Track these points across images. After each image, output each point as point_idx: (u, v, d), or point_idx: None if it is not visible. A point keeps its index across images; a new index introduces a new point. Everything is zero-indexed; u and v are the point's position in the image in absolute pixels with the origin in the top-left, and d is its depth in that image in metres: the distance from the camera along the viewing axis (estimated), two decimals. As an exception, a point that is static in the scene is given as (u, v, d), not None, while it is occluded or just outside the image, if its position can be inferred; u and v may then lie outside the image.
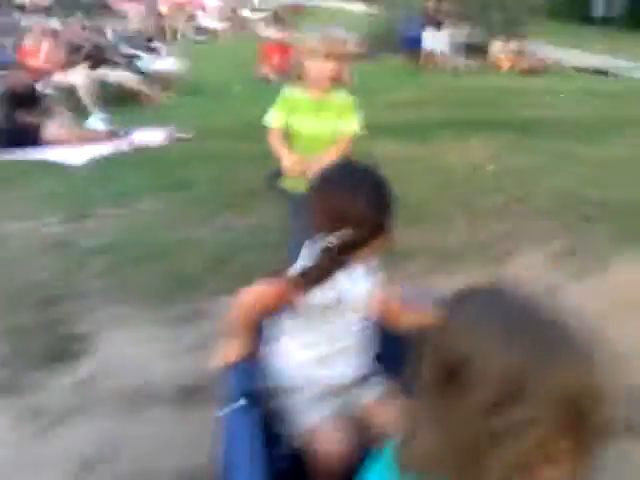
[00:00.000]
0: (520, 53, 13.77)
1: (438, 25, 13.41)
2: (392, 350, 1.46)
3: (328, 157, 2.40)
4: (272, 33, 13.03)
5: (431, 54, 13.26)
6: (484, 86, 9.90)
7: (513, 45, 13.75)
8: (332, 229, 1.28)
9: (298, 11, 17.55)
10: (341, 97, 2.54)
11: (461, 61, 13.45)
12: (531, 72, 13.18)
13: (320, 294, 1.32)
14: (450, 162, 5.10)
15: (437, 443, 0.68)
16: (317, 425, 1.37)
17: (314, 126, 2.52)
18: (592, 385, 0.64)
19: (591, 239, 3.45)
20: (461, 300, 0.73)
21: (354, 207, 1.27)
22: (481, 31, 14.60)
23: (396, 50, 14.08)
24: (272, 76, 9.80)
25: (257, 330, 1.45)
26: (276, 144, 2.52)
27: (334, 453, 1.32)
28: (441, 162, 5.06)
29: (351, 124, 2.53)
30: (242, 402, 1.29)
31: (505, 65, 13.42)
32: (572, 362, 0.65)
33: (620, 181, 4.52)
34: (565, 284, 2.92)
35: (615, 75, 13.43)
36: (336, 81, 2.50)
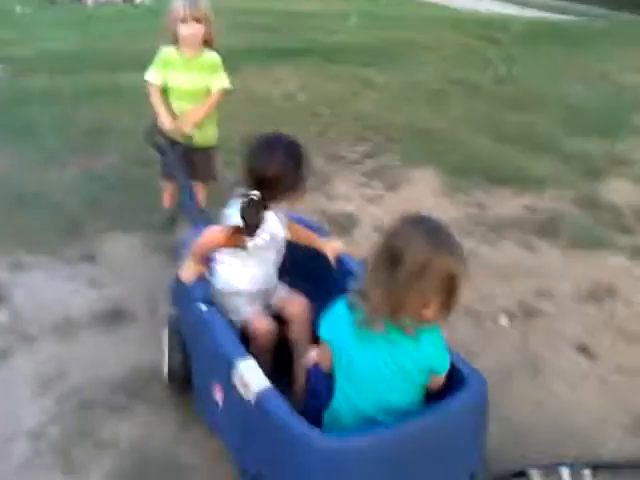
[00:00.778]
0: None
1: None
2: (295, 261, 2.21)
3: (200, 110, 3.01)
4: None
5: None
6: (276, 9, 10.46)
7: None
8: (256, 186, 1.93)
9: None
10: (210, 56, 3.08)
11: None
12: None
13: (258, 239, 1.97)
14: (263, 92, 5.72)
15: (381, 296, 1.43)
16: (252, 316, 2.07)
17: (188, 81, 3.05)
18: (462, 269, 1.43)
19: (395, 158, 4.41)
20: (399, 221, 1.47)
21: (271, 169, 1.93)
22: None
23: None
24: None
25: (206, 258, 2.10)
26: (156, 101, 3.03)
27: (264, 332, 2.04)
28: (255, 93, 5.61)
29: (221, 80, 3.10)
30: (204, 306, 1.94)
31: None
32: (455, 254, 1.42)
33: (417, 106, 5.57)
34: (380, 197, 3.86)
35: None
36: (206, 42, 3.02)
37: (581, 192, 4.07)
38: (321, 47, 7.42)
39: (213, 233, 2.01)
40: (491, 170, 4.25)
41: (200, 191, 3.30)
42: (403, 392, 1.56)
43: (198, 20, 2.95)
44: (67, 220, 3.38)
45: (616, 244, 3.46)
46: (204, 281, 2.06)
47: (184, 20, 2.93)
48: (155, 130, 3.03)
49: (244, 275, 2.10)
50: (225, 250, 2.07)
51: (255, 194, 1.92)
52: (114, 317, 2.68)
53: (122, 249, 3.20)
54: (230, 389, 1.72)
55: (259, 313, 2.10)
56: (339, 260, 2.21)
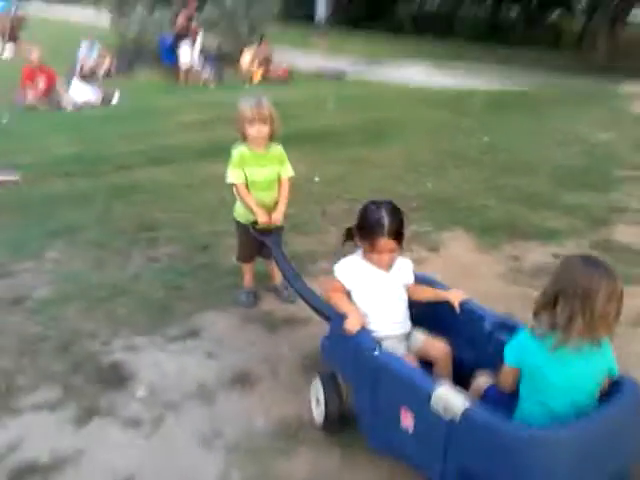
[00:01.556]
0: (267, 61, 15.54)
1: (189, 38, 14.51)
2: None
3: (284, 202, 3.62)
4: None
5: (188, 69, 14.34)
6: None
7: (260, 53, 15.41)
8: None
9: (21, 23, 17.04)
10: (276, 149, 3.67)
11: (211, 74, 14.67)
12: (280, 81, 15.02)
13: None
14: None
15: (582, 324, 1.99)
16: (428, 343, 2.63)
17: (263, 174, 3.61)
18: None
19: (426, 224, 5.05)
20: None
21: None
22: (230, 41, 16.13)
23: (151, 65, 14.93)
24: (39, 103, 10.11)
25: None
26: (249, 201, 3.55)
27: (443, 354, 2.61)
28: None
29: (288, 170, 3.69)
30: (377, 350, 2.45)
31: (256, 75, 15.02)
32: (618, 279, 2.01)
33: (421, 177, 6.29)
34: (426, 259, 4.46)
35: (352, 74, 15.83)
36: (271, 137, 3.62)
37: (595, 238, 4.78)
38: (312, 133, 8.16)
39: (335, 285, 2.62)
40: (512, 227, 4.93)
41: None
42: (590, 394, 2.12)
43: (264, 121, 3.49)
44: (158, 306, 3.81)
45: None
46: (364, 330, 2.57)
47: (251, 122, 3.48)
48: (257, 224, 3.57)
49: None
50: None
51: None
52: (242, 381, 3.13)
53: (221, 325, 3.65)
54: (426, 413, 2.20)
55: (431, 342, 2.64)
56: (462, 306, 2.78)
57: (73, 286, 4.05)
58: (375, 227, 2.55)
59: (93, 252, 4.57)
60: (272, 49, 16.01)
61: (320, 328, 3.46)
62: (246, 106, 3.48)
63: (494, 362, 2.48)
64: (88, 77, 12.74)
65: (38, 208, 5.45)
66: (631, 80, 11.74)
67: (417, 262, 4.29)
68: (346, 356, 2.63)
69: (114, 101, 11.71)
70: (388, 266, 2.68)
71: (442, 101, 10.68)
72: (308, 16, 27.96)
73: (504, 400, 2.29)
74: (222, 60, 15.58)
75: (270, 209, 3.62)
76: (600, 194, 5.77)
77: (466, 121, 8.97)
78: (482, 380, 2.42)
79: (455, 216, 5.14)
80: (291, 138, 7.59)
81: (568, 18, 30.02)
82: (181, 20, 14.64)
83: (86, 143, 8.17)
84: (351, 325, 2.51)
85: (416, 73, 17.15)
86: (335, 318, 2.75)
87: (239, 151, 3.57)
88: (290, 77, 15.36)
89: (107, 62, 14.51)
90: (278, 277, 3.94)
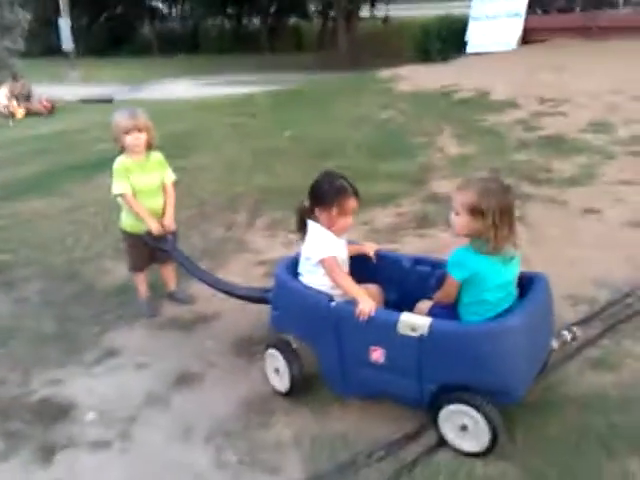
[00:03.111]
0: (27, 97, 14.65)
1: None
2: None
3: (172, 207, 3.70)
4: None
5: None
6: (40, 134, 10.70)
7: (16, 89, 14.48)
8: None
9: None
10: (156, 155, 3.72)
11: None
12: (46, 114, 14.28)
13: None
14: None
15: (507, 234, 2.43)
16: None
17: (147, 182, 3.64)
18: None
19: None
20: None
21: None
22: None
23: None
24: None
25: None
26: (140, 210, 3.56)
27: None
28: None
29: (170, 174, 3.76)
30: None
31: (19, 113, 14.11)
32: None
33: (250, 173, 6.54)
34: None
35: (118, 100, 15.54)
36: (149, 146, 3.66)
37: (422, 195, 5.46)
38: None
39: (331, 262, 2.77)
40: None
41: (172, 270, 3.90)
42: (514, 286, 2.60)
43: (140, 130, 3.55)
44: (58, 337, 3.65)
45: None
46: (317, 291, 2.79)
47: (128, 131, 3.53)
48: (151, 233, 3.58)
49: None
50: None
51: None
52: (187, 380, 3.16)
53: (134, 339, 3.60)
54: (395, 341, 2.50)
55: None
56: (378, 255, 3.14)
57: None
58: (341, 191, 2.78)
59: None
60: (29, 84, 15.14)
61: (231, 318, 3.63)
62: (121, 117, 3.52)
63: (418, 294, 2.88)
64: None
65: None
66: (379, 68, 13.07)
67: (292, 242, 4.59)
68: (302, 319, 2.82)
69: None
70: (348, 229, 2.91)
71: (228, 109, 11.00)
72: (49, 49, 26.64)
73: (447, 315, 2.67)
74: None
75: (159, 215, 3.65)
76: (408, 159, 6.52)
77: (260, 122, 9.40)
78: (423, 305, 2.77)
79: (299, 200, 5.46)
80: (103, 163, 7.46)
81: (306, 22, 32.16)
82: None
83: None
84: (367, 307, 2.59)
85: (183, 89, 17.36)
86: (278, 291, 2.93)
87: (121, 161, 3.56)
88: (55, 109, 14.69)
89: None
90: (172, 282, 3.97)
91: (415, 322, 2.47)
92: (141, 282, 3.88)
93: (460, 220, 2.56)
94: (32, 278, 4.48)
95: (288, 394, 2.91)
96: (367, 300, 2.63)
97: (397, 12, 31.04)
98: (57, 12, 22.60)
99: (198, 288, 3.91)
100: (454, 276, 2.57)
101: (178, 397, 3.04)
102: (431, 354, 2.47)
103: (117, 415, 2.93)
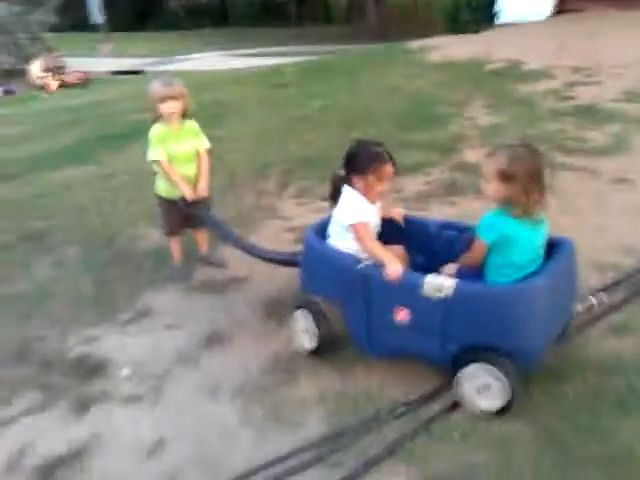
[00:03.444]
0: (60, 69, 14.86)
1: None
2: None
3: (206, 175, 3.74)
4: None
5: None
6: (74, 105, 10.86)
7: (50, 62, 14.70)
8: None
9: None
10: (191, 123, 3.77)
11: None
12: (80, 86, 14.49)
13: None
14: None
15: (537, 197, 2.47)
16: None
17: (182, 149, 3.71)
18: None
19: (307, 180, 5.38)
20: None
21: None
22: (11, 56, 15.08)
23: None
24: None
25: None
26: (176, 177, 3.63)
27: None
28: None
29: (205, 142, 3.81)
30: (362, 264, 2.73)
31: (52, 85, 14.32)
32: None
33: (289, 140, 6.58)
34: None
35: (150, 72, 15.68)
36: (184, 114, 3.72)
37: (451, 164, 5.44)
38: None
39: (362, 228, 2.81)
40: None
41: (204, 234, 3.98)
42: (542, 250, 2.61)
43: (175, 98, 3.61)
44: (95, 298, 3.78)
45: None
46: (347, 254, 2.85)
47: (163, 99, 3.59)
48: (186, 200, 3.66)
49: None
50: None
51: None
52: (218, 339, 3.26)
53: (167, 301, 3.71)
54: (420, 302, 2.54)
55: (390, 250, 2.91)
56: (406, 219, 3.19)
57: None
58: (378, 157, 2.82)
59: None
60: (62, 58, 15.36)
61: (261, 281, 3.70)
62: (157, 86, 3.60)
63: (444, 258, 2.91)
64: None
65: None
66: (410, 39, 12.92)
67: (321, 210, 4.62)
68: (331, 281, 2.88)
69: None
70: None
71: (258, 80, 11.01)
72: (79, 23, 26.83)
73: (473, 278, 2.70)
74: (9, 77, 14.62)
75: (193, 182, 3.72)
76: (438, 129, 6.48)
77: (291, 91, 9.39)
78: (449, 268, 2.80)
79: (329, 168, 5.49)
80: (136, 132, 7.55)
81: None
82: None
83: None
84: (395, 271, 2.63)
85: (213, 61, 17.38)
86: (307, 254, 2.99)
87: (157, 129, 3.64)
88: (89, 81, 14.89)
89: None
90: (205, 246, 4.05)
91: (440, 283, 2.51)
92: (175, 246, 3.97)
93: (491, 186, 2.58)
94: (69, 243, 4.60)
95: (315, 353, 2.98)
96: (395, 263, 2.67)
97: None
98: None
99: (230, 252, 4.00)
100: (483, 238, 2.59)
101: (208, 356, 3.13)
102: (455, 315, 2.51)
103: (149, 372, 3.04)
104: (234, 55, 18.90)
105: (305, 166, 5.73)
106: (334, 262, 2.85)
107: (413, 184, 5.11)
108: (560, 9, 12.78)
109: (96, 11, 21.87)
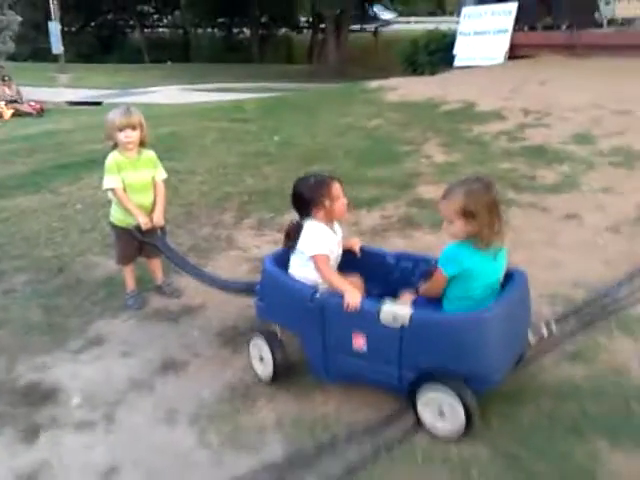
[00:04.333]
0: (17, 98, 14.74)
1: None
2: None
3: (162, 203, 3.78)
4: None
5: None
6: (29, 133, 10.73)
7: (9, 90, 14.57)
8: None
9: None
10: (148, 153, 3.80)
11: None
12: (35, 115, 14.37)
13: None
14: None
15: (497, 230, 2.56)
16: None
17: (139, 178, 3.72)
18: None
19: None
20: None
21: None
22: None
23: None
24: None
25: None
26: (129, 205, 3.63)
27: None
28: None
29: (162, 172, 3.84)
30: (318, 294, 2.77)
31: (6, 114, 14.18)
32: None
33: (241, 176, 6.63)
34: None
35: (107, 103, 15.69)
36: (142, 143, 3.75)
37: (407, 199, 5.57)
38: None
39: (322, 259, 2.87)
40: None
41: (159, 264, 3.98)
42: (499, 282, 2.71)
43: (134, 127, 3.64)
44: (45, 326, 3.69)
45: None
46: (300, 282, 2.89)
47: (121, 129, 3.61)
48: (140, 228, 3.65)
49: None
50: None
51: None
52: (172, 366, 3.23)
53: (120, 329, 3.66)
54: (377, 330, 2.59)
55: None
56: (362, 249, 3.26)
57: None
58: (321, 183, 2.92)
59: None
60: (16, 87, 15.23)
61: (215, 309, 3.72)
62: (115, 114, 3.62)
63: (400, 288, 2.98)
64: None
65: None
66: (366, 80, 13.25)
67: (278, 241, 4.66)
68: (288, 309, 2.91)
69: None
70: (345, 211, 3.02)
71: (217, 114, 11.08)
72: (38, 53, 26.70)
73: (430, 306, 2.77)
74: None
75: (148, 211, 3.72)
76: (395, 166, 6.64)
77: (250, 126, 9.49)
78: (407, 296, 2.87)
79: (287, 201, 5.57)
80: (91, 162, 7.51)
81: (296, 34, 32.47)
82: None
83: None
84: (354, 300, 2.67)
85: (172, 95, 17.46)
86: (265, 282, 3.02)
87: (113, 157, 3.65)
88: (44, 111, 14.79)
89: None
90: (159, 275, 4.04)
91: (397, 312, 2.57)
92: (129, 275, 3.94)
93: (454, 226, 2.64)
94: (20, 271, 4.51)
95: (272, 381, 2.99)
96: (354, 292, 2.72)
97: (388, 27, 31.44)
98: (47, 16, 22.67)
99: (185, 281, 3.99)
100: (446, 271, 2.65)
101: (162, 383, 3.11)
102: (412, 343, 2.56)
103: (102, 399, 2.99)
104: (194, 90, 19.04)
105: (263, 199, 5.79)
106: (291, 290, 2.89)
107: (370, 218, 5.21)
108: (513, 54, 13.30)
109: (56, 41, 21.82)
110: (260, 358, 3.02)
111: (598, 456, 2.43)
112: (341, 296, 2.70)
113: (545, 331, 3.20)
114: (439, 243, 3.96)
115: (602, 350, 3.17)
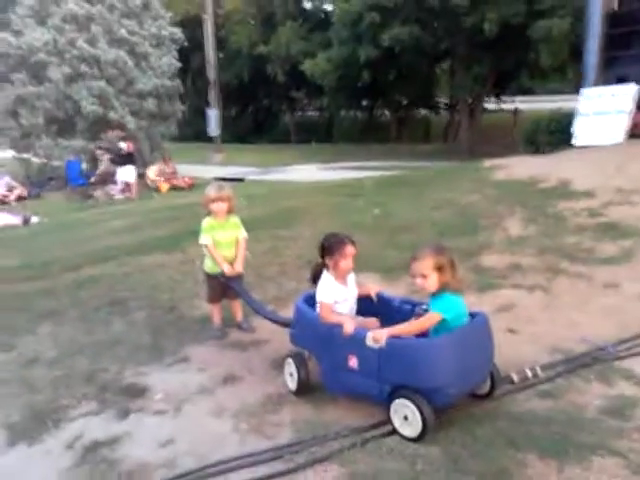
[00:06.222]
0: (173, 174, 17.10)
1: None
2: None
3: (242, 256, 4.88)
4: None
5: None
6: (176, 204, 12.68)
7: (163, 168, 16.96)
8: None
9: None
10: (234, 218, 5.00)
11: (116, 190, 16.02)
12: (186, 189, 16.56)
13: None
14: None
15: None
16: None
17: (226, 237, 4.92)
18: None
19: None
20: None
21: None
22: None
23: (59, 188, 16.21)
24: None
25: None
26: (217, 256, 4.82)
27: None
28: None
29: (243, 232, 5.01)
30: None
31: (163, 187, 16.48)
32: None
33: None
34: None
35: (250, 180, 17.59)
36: (229, 211, 4.95)
37: (469, 264, 6.33)
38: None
39: (324, 305, 3.84)
40: (407, 267, 6.40)
41: (239, 305, 5.11)
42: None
43: (223, 200, 4.87)
44: (150, 347, 4.94)
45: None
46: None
47: (215, 200, 4.86)
48: (222, 275, 4.82)
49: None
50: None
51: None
52: (231, 380, 4.29)
53: (203, 353, 4.80)
54: (364, 351, 3.48)
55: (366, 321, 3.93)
56: (378, 295, 4.16)
57: (72, 345, 5.08)
58: (341, 241, 3.90)
59: (78, 324, 5.60)
60: (174, 164, 17.65)
61: (277, 343, 4.73)
62: (210, 190, 4.86)
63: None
64: None
65: (16, 302, 6.38)
66: (491, 158, 14.01)
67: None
68: (310, 336, 3.89)
69: (34, 220, 12.70)
70: (351, 270, 3.96)
71: (336, 190, 12.36)
72: (200, 134, 30.15)
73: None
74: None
75: (232, 261, 4.88)
76: (471, 237, 7.40)
77: (359, 201, 10.63)
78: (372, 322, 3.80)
79: (366, 263, 6.55)
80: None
81: (434, 115, 33.87)
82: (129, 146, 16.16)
83: (26, 253, 9.11)
84: (349, 328, 3.62)
85: (308, 173, 19.19)
86: (295, 316, 4.03)
87: (207, 221, 4.88)
88: (194, 185, 16.95)
89: (18, 190, 15.57)
90: (239, 315, 5.16)
91: (377, 337, 3.46)
92: (215, 312, 5.11)
93: (431, 280, 3.51)
94: (142, 309, 5.86)
95: (297, 393, 3.94)
96: (349, 323, 3.65)
97: (528, 105, 31.83)
98: (208, 103, 25.84)
99: (258, 322, 5.07)
100: (445, 315, 3.47)
101: (221, 390, 4.16)
102: (387, 362, 3.43)
103: (176, 397, 4.10)
104: (329, 168, 20.67)
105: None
106: (311, 321, 3.86)
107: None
108: (634, 133, 13.49)
109: (214, 124, 24.76)
110: (290, 374, 3.99)
111: (523, 463, 3.11)
112: (341, 326, 3.63)
113: (530, 373, 3.90)
114: (478, 303, 4.79)
115: (572, 391, 3.79)
